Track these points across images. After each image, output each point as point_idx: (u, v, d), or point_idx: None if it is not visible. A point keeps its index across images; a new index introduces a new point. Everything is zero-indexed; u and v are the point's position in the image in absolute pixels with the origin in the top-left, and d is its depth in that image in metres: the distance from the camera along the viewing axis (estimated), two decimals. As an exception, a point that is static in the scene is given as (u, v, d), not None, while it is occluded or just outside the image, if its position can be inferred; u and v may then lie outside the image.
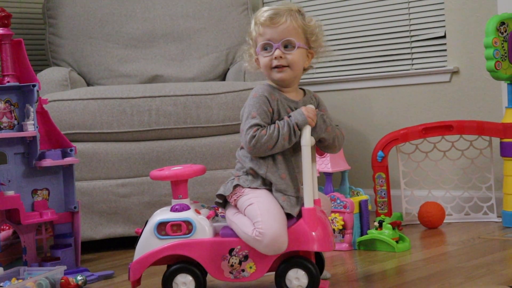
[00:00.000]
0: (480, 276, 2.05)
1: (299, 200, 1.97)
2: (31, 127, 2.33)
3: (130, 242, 2.67)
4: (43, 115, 2.43)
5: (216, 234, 2.00)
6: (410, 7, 3.30)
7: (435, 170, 3.08)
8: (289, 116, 1.95)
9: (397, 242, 2.50)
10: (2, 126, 2.32)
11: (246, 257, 1.94)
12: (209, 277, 2.01)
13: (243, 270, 1.94)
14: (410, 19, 3.30)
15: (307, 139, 1.92)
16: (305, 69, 2.05)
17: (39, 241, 2.40)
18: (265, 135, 1.92)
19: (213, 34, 3.43)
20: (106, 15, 3.39)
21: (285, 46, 1.97)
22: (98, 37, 3.36)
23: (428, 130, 2.94)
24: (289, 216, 1.94)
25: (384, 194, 2.93)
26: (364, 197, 2.69)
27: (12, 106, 2.35)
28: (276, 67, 1.97)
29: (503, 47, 2.77)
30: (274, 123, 1.95)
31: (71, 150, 2.42)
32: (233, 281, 1.97)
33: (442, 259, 2.34)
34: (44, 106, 2.42)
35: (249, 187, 1.97)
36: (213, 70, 3.38)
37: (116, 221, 2.77)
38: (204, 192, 2.79)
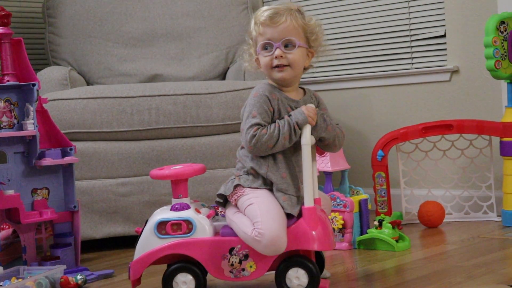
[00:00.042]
0: (480, 275, 2.05)
1: (300, 199, 1.97)
2: (30, 126, 2.32)
3: (130, 241, 2.67)
4: (43, 114, 2.42)
5: (216, 233, 2.00)
6: (410, 6, 3.30)
7: (435, 169, 3.08)
8: (290, 115, 1.95)
9: (397, 241, 2.50)
10: (2, 125, 2.32)
11: (246, 256, 1.94)
12: (209, 276, 2.01)
13: (243, 269, 1.94)
14: (410, 18, 3.30)
15: (307, 138, 1.92)
16: (305, 68, 2.05)
17: (38, 240, 2.40)
18: (266, 134, 1.92)
19: (213, 33, 3.42)
20: (106, 14, 3.39)
21: (286, 46, 1.97)
22: (98, 36, 3.36)
23: (428, 129, 2.94)
24: (289, 215, 1.94)
25: (384, 193, 2.93)
26: (364, 196, 2.69)
27: (12, 105, 2.35)
28: (277, 66, 1.97)
29: (503, 46, 2.77)
30: (275, 122, 1.95)
31: (70, 149, 2.42)
32: (233, 280, 1.97)
33: (442, 258, 2.34)
34: (44, 105, 2.42)
35: (249, 187, 1.97)
36: (213, 69, 3.38)
37: (115, 220, 2.77)
38: (204, 191, 2.79)
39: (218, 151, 2.83)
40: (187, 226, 1.97)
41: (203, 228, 1.97)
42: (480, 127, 2.87)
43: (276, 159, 1.97)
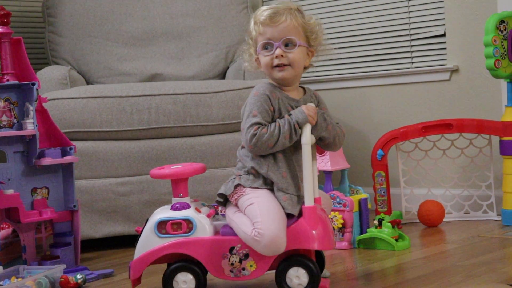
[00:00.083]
0: (480, 274, 2.05)
1: (300, 198, 1.96)
2: (30, 126, 2.32)
3: (129, 241, 2.67)
4: (42, 114, 2.42)
5: (216, 232, 2.00)
6: (410, 5, 3.30)
7: (435, 169, 3.08)
8: (290, 115, 1.95)
9: (396, 240, 2.50)
10: (1, 125, 2.32)
11: (246, 256, 1.94)
12: (209, 276, 2.01)
13: (243, 269, 1.94)
14: (410, 17, 3.30)
15: (307, 138, 1.92)
16: (305, 68, 2.04)
17: (38, 239, 2.40)
18: (266, 134, 1.92)
19: (213, 32, 3.42)
20: (106, 14, 3.39)
21: (286, 45, 1.97)
22: (97, 36, 3.35)
23: (428, 128, 2.94)
24: (290, 214, 1.94)
25: (384, 192, 2.93)
26: (363, 195, 2.69)
27: (12, 105, 2.35)
28: (278, 66, 1.97)
29: (502, 45, 2.77)
30: (275, 121, 1.95)
31: (70, 149, 2.42)
32: (234, 279, 1.96)
33: (442, 257, 2.34)
34: (43, 104, 2.42)
35: (250, 187, 1.97)
36: (213, 68, 3.38)
37: (115, 220, 2.77)
38: (204, 190, 2.79)
39: (217, 151, 2.83)
40: (188, 225, 1.97)
41: (203, 227, 1.97)
42: (480, 126, 2.87)
43: (276, 159, 1.97)
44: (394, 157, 3.10)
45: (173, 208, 2.00)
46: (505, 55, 2.78)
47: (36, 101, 2.35)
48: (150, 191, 2.77)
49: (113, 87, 2.85)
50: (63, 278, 2.14)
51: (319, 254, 2.09)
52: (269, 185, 1.97)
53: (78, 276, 2.18)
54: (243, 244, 1.93)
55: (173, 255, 1.99)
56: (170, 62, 3.35)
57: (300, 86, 2.07)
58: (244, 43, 2.10)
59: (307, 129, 1.93)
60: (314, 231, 1.90)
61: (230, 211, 1.99)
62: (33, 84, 2.33)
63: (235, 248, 1.94)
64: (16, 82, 2.35)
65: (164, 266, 2.03)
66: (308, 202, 1.91)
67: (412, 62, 3.31)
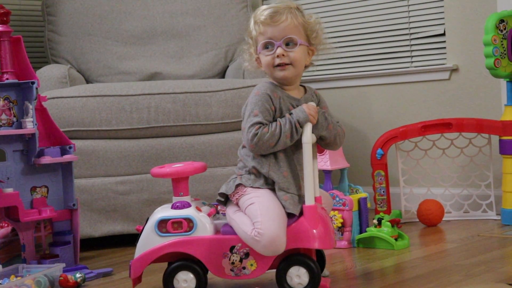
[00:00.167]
0: (479, 274, 2.05)
1: (301, 198, 1.96)
2: (30, 125, 2.32)
3: (128, 240, 2.68)
4: (42, 113, 2.42)
5: (217, 231, 1.99)
6: (409, 5, 3.30)
7: (434, 168, 3.08)
8: (291, 114, 1.95)
9: (396, 239, 2.50)
10: (1, 123, 2.32)
11: (247, 255, 1.93)
12: (209, 275, 2.01)
13: (244, 268, 1.94)
14: (410, 16, 3.30)
15: (308, 137, 1.92)
16: (306, 66, 2.04)
17: (38, 238, 2.40)
18: (267, 133, 1.91)
19: (213, 31, 3.42)
20: (105, 12, 3.38)
21: (287, 44, 1.97)
22: (97, 35, 3.35)
23: (427, 127, 2.94)
24: (290, 214, 1.94)
25: (383, 191, 2.93)
26: (363, 194, 2.69)
27: (11, 103, 2.35)
28: (279, 65, 1.97)
29: (502, 44, 2.78)
30: (276, 121, 1.95)
31: (70, 148, 2.42)
32: (234, 278, 1.96)
33: (441, 256, 2.34)
34: (43, 103, 2.42)
35: (251, 187, 1.96)
36: (213, 67, 3.38)
37: (115, 219, 2.77)
38: (203, 189, 2.78)
39: (217, 150, 2.82)
40: (188, 224, 1.97)
41: (204, 226, 1.97)
42: (480, 126, 2.87)
43: (277, 158, 1.97)
44: (393, 156, 3.11)
45: (174, 207, 2.00)
46: (505, 54, 2.78)
47: (35, 99, 2.34)
48: (149, 190, 2.77)
49: (112, 86, 2.85)
50: (62, 277, 2.14)
51: (319, 253, 2.09)
52: (270, 184, 1.97)
53: (78, 275, 2.18)
54: (244, 243, 1.93)
55: (173, 254, 1.99)
56: (169, 61, 3.35)
57: (301, 85, 2.07)
58: (244, 43, 2.10)
59: (308, 128, 1.93)
60: (314, 230, 1.90)
61: (230, 210, 1.99)
62: (33, 83, 2.33)
63: (235, 247, 1.94)
64: (16, 80, 2.34)
65: (164, 265, 2.03)
66: (309, 201, 1.91)
67: (412, 62, 3.31)
